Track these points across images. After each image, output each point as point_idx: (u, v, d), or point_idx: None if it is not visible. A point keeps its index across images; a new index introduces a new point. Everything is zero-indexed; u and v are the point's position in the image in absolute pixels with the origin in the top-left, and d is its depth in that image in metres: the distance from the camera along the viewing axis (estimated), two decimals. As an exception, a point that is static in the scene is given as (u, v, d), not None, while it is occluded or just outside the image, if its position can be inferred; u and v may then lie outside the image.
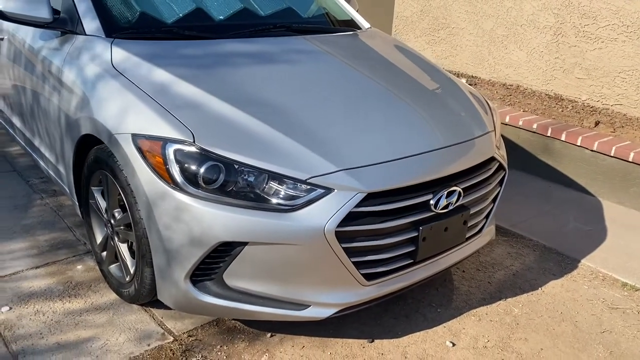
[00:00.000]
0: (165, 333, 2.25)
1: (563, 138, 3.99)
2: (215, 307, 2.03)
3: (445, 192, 2.14)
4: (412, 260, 2.16)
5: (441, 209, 2.14)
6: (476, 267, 2.87)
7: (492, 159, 2.43)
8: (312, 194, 1.92)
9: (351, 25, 3.32)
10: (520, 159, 4.28)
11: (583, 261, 2.99)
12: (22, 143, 3.29)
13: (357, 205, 1.93)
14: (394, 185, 2.02)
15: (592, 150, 3.86)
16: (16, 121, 3.28)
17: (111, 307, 2.38)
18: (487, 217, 2.51)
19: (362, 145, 2.08)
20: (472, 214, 2.32)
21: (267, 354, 2.18)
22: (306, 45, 2.80)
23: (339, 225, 1.91)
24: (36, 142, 3.02)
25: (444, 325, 2.40)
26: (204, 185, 1.91)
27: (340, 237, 1.93)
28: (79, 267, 2.66)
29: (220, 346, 2.20)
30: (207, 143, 1.94)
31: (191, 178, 1.92)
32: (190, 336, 2.24)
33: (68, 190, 2.71)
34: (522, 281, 2.78)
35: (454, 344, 2.29)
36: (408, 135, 2.22)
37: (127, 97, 2.14)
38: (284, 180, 1.92)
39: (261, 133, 2.01)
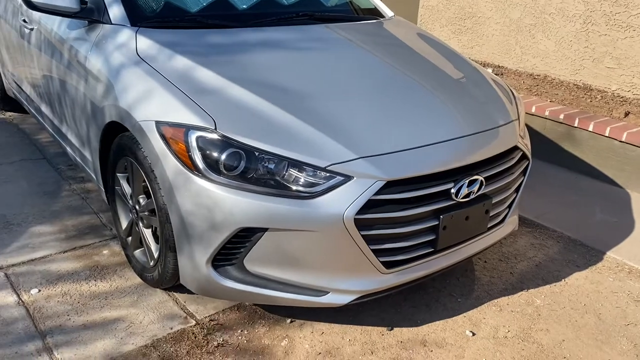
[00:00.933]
0: (188, 317, 2.29)
1: (591, 128, 3.91)
2: (236, 292, 2.06)
3: (467, 181, 2.13)
4: (432, 249, 2.16)
5: (462, 198, 2.13)
6: (498, 257, 2.85)
7: (515, 147, 2.40)
8: (332, 182, 1.93)
9: (375, 13, 3.30)
10: (547, 149, 4.21)
11: (609, 253, 2.94)
12: (51, 131, 3.37)
13: (377, 193, 1.94)
14: (414, 173, 2.01)
15: (620, 141, 3.78)
16: (45, 109, 3.35)
17: (135, 291, 2.43)
18: (509, 206, 2.48)
19: (383, 133, 2.08)
20: (494, 203, 2.30)
21: (286, 339, 2.20)
22: (329, 33, 2.80)
23: (358, 213, 1.91)
24: (64, 130, 3.09)
25: (464, 315, 2.40)
26: (225, 172, 1.93)
27: (360, 224, 1.94)
28: (105, 251, 2.72)
29: (241, 330, 2.23)
30: (228, 130, 1.96)
31: (213, 165, 1.94)
32: (211, 320, 2.28)
33: (94, 177, 2.77)
34: (545, 272, 2.75)
35: (473, 334, 2.28)
36: (430, 123, 2.21)
37: (150, 84, 2.18)
38: (303, 168, 1.93)
39: (282, 120, 2.02)
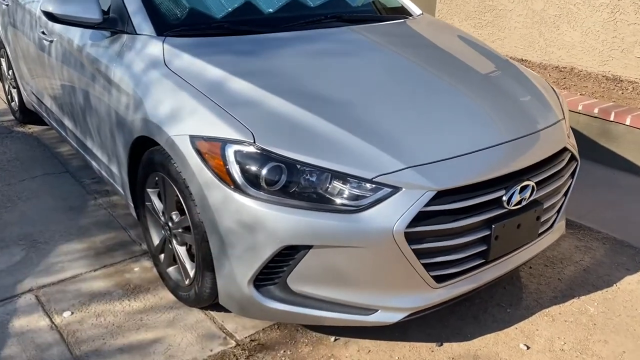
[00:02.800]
0: (227, 337, 2.20)
1: (628, 122, 3.77)
2: (279, 313, 1.96)
3: (519, 187, 2.01)
4: (483, 260, 2.05)
5: (514, 205, 2.01)
6: (543, 262, 2.73)
7: (564, 149, 2.28)
8: (379, 194, 1.82)
9: (402, 12, 3.19)
10: (581, 145, 4.07)
11: (659, 254, 2.81)
12: (74, 144, 3.30)
13: (427, 204, 1.83)
14: (465, 181, 1.90)
15: (660, 135, 3.64)
16: (67, 122, 3.28)
17: (171, 310, 2.35)
18: (558, 211, 2.36)
19: (428, 141, 1.97)
20: (545, 208, 2.18)
21: (332, 359, 2.10)
22: (359, 35, 2.68)
23: (409, 226, 1.81)
24: (88, 143, 3.01)
25: (515, 327, 2.28)
26: (266, 187, 1.83)
27: (410, 238, 1.83)
28: (136, 268, 2.63)
29: (284, 351, 2.13)
30: (267, 143, 1.86)
31: (252, 180, 1.84)
32: (252, 340, 2.18)
33: (123, 192, 2.69)
34: (594, 277, 2.62)
35: (528, 347, 2.17)
36: (476, 128, 2.09)
37: (182, 96, 2.09)
38: (348, 180, 1.83)
39: (322, 130, 1.92)
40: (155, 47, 2.33)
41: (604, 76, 4.97)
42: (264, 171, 1.83)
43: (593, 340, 2.22)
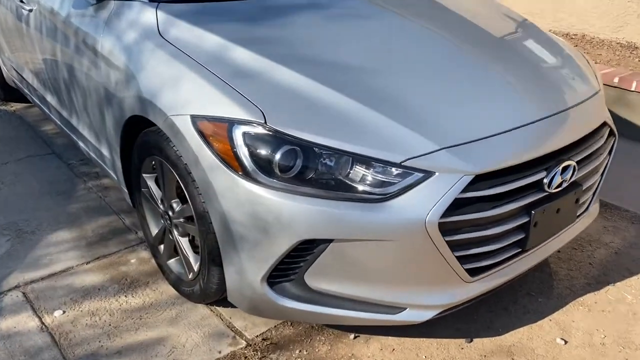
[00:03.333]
0: (237, 336, 2.00)
1: (651, 92, 3.55)
2: (296, 312, 1.76)
3: (560, 168, 1.80)
4: (520, 249, 1.85)
5: (555, 188, 1.81)
6: (572, 245, 2.54)
7: (604, 124, 2.07)
8: (409, 179, 1.60)
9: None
10: (598, 116, 3.86)
11: (692, 234, 2.63)
12: (58, 122, 3.04)
13: (464, 191, 1.61)
14: (505, 163, 1.69)
15: (686, 105, 3.43)
16: (50, 99, 3.01)
17: (173, 306, 2.14)
18: (594, 193, 2.16)
19: (461, 117, 1.74)
20: (584, 190, 1.98)
21: (352, 359, 1.91)
22: (376, 0, 2.43)
23: (443, 216, 1.59)
24: (74, 122, 2.76)
25: (549, 318, 2.10)
26: (279, 174, 1.61)
27: (444, 229, 1.62)
28: (133, 260, 2.42)
29: (299, 351, 1.94)
30: (280, 123, 1.63)
31: (264, 165, 1.62)
32: (264, 340, 1.98)
33: (115, 177, 2.45)
34: (627, 261, 2.44)
35: (565, 341, 1.99)
36: (512, 102, 1.86)
37: (179, 70, 1.84)
38: (374, 164, 1.61)
39: (341, 107, 1.68)
40: (148, 15, 2.07)
41: (618, 43, 4.74)
42: (278, 156, 1.60)
43: (635, 332, 2.04)
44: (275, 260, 1.66)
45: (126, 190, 2.38)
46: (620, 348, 1.97)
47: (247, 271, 1.73)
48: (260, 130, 1.63)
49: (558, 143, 1.82)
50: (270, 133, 1.62)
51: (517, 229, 1.80)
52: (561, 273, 2.35)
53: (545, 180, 1.77)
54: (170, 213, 2.07)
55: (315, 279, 1.71)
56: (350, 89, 1.73)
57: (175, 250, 2.18)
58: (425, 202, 1.59)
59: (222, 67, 1.79)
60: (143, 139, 2.04)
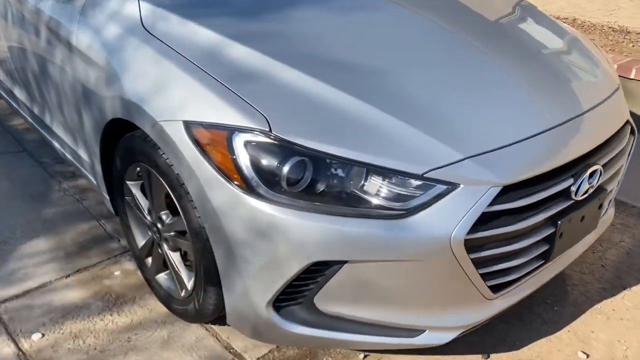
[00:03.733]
0: (236, 359, 1.83)
1: (651, 80, 3.45)
2: (305, 338, 1.60)
3: (588, 173, 1.66)
4: (544, 261, 1.71)
5: (581, 195, 1.67)
6: (582, 246, 2.42)
7: (627, 122, 1.94)
8: (431, 192, 1.44)
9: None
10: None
11: (703, 231, 2.54)
12: (29, 119, 2.79)
13: (491, 204, 1.46)
14: (534, 172, 1.54)
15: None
16: (19, 94, 2.77)
17: (164, 326, 1.96)
18: (613, 196, 2.04)
19: (482, 124, 1.59)
20: (608, 194, 1.85)
21: (364, 382, 1.77)
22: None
23: (469, 232, 1.44)
24: (47, 120, 2.53)
25: (567, 329, 1.98)
26: (287, 188, 1.43)
27: (469, 245, 1.47)
28: (116, 272, 2.22)
29: (306, 374, 1.79)
30: (286, 131, 1.45)
31: (269, 179, 1.44)
32: (267, 362, 1.83)
33: (95, 182, 2.24)
34: (640, 262, 2.34)
35: (587, 355, 1.88)
36: (534, 105, 1.71)
37: (170, 70, 1.64)
38: (392, 177, 1.44)
39: (354, 112, 1.51)
40: (130, 5, 1.85)
41: (610, 27, 4.63)
42: (286, 168, 1.42)
43: (657, 342, 1.94)
44: (283, 284, 1.49)
45: (107, 197, 2.18)
46: (644, 361, 1.87)
47: (250, 295, 1.55)
48: (264, 139, 1.44)
49: (585, 146, 1.68)
50: (276, 142, 1.44)
51: (543, 241, 1.66)
52: (574, 277, 2.24)
53: (572, 188, 1.64)
54: (159, 225, 1.88)
55: (326, 302, 1.55)
56: (362, 91, 1.56)
57: (164, 264, 1.99)
58: (450, 218, 1.43)
59: (218, 67, 1.59)
60: (127, 144, 1.84)
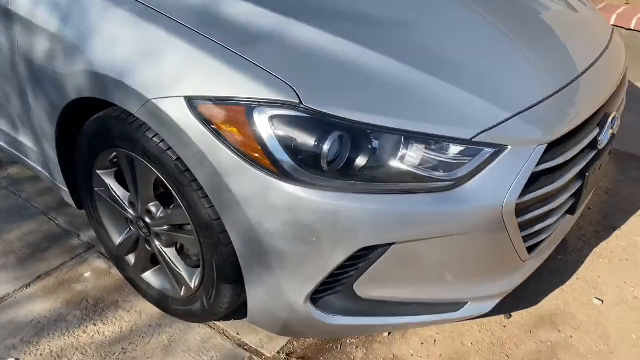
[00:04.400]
0: (253, 356, 1.66)
1: None
2: (343, 328, 1.45)
3: (610, 121, 1.61)
4: (569, 216, 1.67)
5: (603, 145, 1.62)
6: (564, 190, 2.44)
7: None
8: (479, 158, 1.31)
9: None
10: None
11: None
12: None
13: (539, 163, 1.36)
14: (571, 125, 1.45)
15: None
16: None
17: (161, 329, 1.73)
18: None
19: (515, 79, 1.47)
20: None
21: (395, 361, 1.67)
22: None
23: (520, 196, 1.34)
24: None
25: (576, 277, 1.98)
26: (327, 167, 1.24)
27: (518, 210, 1.37)
28: (86, 274, 1.93)
29: (333, 362, 1.65)
30: (319, 102, 1.24)
31: (307, 160, 1.24)
32: (288, 355, 1.66)
33: (46, 173, 1.91)
34: (621, 201, 2.38)
35: (602, 301, 1.88)
36: (554, 58, 1.62)
37: (157, 36, 1.35)
38: (441, 144, 1.29)
39: (388, 74, 1.33)
40: (84, -44, 1.51)
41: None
42: (326, 146, 1.23)
43: (659, 279, 1.99)
44: (324, 276, 1.32)
45: (66, 189, 1.86)
46: (653, 299, 1.91)
47: (284, 291, 1.37)
48: (294, 112, 1.23)
49: (605, 94, 1.62)
50: (310, 116, 1.23)
51: (572, 196, 1.60)
52: (566, 223, 2.24)
53: (599, 138, 1.58)
54: (148, 219, 1.62)
55: (366, 287, 1.40)
56: (393, 49, 1.37)
57: (152, 261, 1.74)
58: (500, 183, 1.32)
59: (220, 30, 1.33)
60: (97, 126, 1.54)
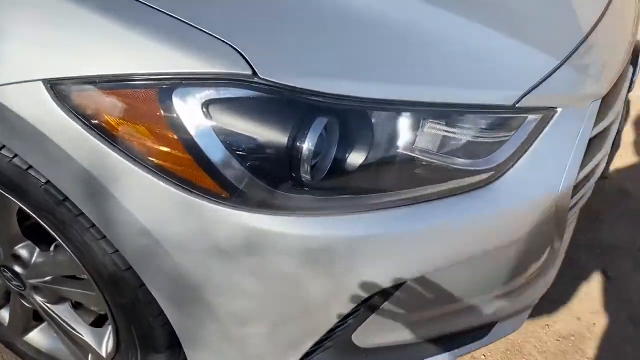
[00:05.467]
0: None
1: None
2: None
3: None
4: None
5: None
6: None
7: None
8: (522, 132, 0.88)
9: None
10: None
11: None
12: None
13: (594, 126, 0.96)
14: (619, 66, 1.06)
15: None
16: None
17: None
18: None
19: (547, 16, 1.03)
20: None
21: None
22: None
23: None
24: None
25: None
26: (308, 178, 0.75)
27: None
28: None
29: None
30: (285, 71, 0.73)
31: (272, 168, 0.74)
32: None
33: None
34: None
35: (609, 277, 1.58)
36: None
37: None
38: (468, 118, 0.84)
39: (391, 18, 0.84)
40: None
41: None
42: (306, 143, 0.72)
43: None
44: (316, 339, 0.86)
45: None
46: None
47: (251, 363, 0.89)
48: (246, 92, 0.71)
49: (629, 24, 1.23)
50: (272, 96, 0.72)
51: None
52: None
53: (634, 78, 1.20)
54: (17, 268, 1.05)
55: (369, 335, 0.95)
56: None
57: (35, 318, 1.19)
58: (554, 164, 0.89)
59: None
60: None
